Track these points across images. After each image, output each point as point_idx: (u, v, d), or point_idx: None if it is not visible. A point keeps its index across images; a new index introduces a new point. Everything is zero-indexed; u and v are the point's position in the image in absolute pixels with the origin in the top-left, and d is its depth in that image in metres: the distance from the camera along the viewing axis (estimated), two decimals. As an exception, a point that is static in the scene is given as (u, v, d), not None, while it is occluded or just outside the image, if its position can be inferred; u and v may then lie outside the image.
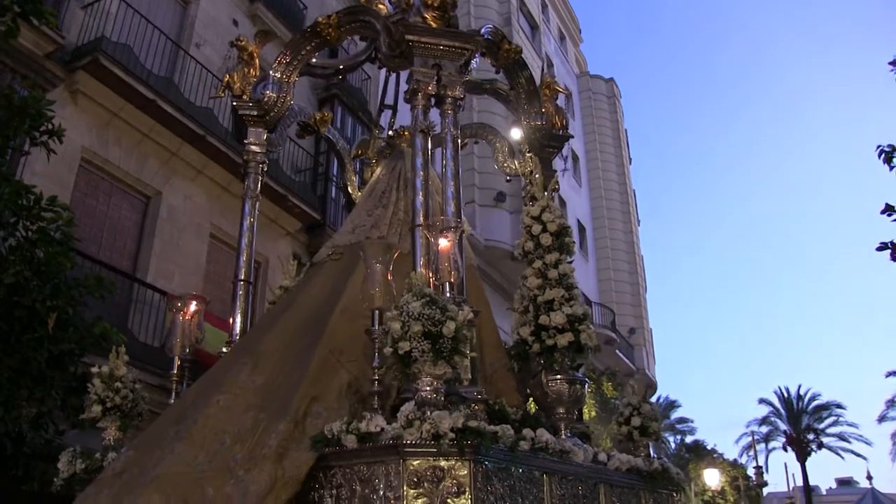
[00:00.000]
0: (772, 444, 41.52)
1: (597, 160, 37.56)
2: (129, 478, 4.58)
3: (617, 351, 30.78)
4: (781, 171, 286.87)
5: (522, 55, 7.39)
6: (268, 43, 7.61)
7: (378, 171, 7.34)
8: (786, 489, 28.54)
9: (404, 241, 6.05)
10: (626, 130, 41.24)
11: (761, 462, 33.51)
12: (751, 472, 29.79)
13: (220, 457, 4.52)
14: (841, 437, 39.99)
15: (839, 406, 40.89)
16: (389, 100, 8.16)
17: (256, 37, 7.55)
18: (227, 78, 7.24)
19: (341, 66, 8.06)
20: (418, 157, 5.94)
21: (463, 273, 5.35)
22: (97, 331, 7.90)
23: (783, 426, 41.27)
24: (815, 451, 39.39)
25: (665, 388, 50.30)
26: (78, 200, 12.27)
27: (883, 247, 9.38)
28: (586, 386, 6.09)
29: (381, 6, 6.98)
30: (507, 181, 8.66)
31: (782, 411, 41.85)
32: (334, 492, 4.32)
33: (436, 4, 6.19)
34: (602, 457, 5.49)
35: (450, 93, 6.17)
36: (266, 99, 7.15)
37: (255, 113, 7.19)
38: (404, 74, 7.10)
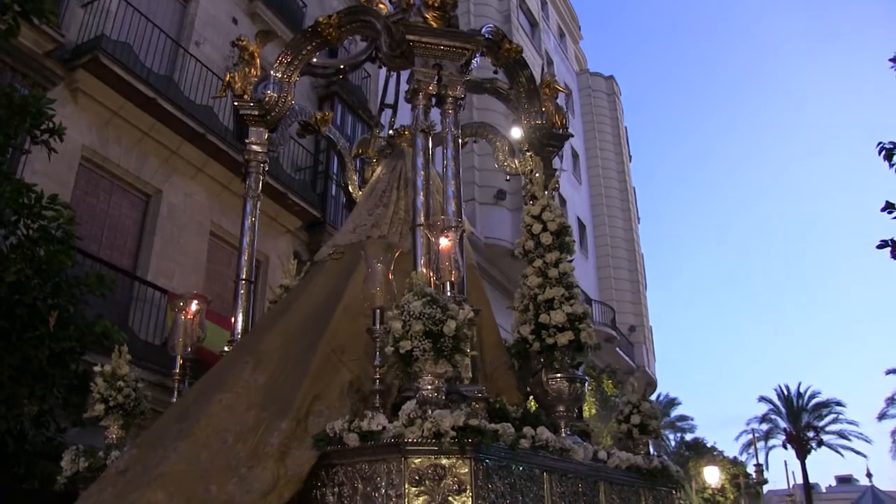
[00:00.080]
0: (772, 442, 41.59)
1: (597, 158, 37.55)
2: (132, 476, 4.61)
3: (617, 349, 30.80)
4: (783, 169, 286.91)
5: (523, 55, 7.40)
6: (269, 43, 7.60)
7: (378, 170, 7.35)
8: (785, 487, 28.53)
9: (405, 241, 6.06)
10: (626, 128, 41.24)
11: (761, 460, 33.55)
12: (751, 469, 29.83)
13: (223, 455, 4.55)
14: (841, 434, 40.04)
15: (839, 404, 40.95)
16: (390, 99, 8.17)
17: (257, 37, 7.57)
18: (228, 77, 7.24)
19: (342, 66, 8.07)
20: (419, 157, 5.95)
21: (463, 272, 5.37)
22: (98, 329, 7.92)
23: (783, 424, 41.29)
24: (815, 449, 39.38)
25: (665, 386, 50.31)
26: (78, 199, 12.29)
27: (883, 244, 9.39)
28: (586, 384, 6.10)
29: (381, 6, 6.99)
30: (507, 180, 8.68)
31: (782, 409, 41.88)
32: (336, 490, 4.35)
33: (436, 4, 6.19)
34: (602, 455, 5.51)
35: (450, 92, 6.19)
36: (267, 99, 7.16)
37: (256, 113, 7.19)
38: (405, 73, 7.11)
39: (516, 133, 7.82)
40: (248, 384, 5.10)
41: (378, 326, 4.89)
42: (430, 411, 4.08)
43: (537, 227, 6.38)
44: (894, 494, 42.44)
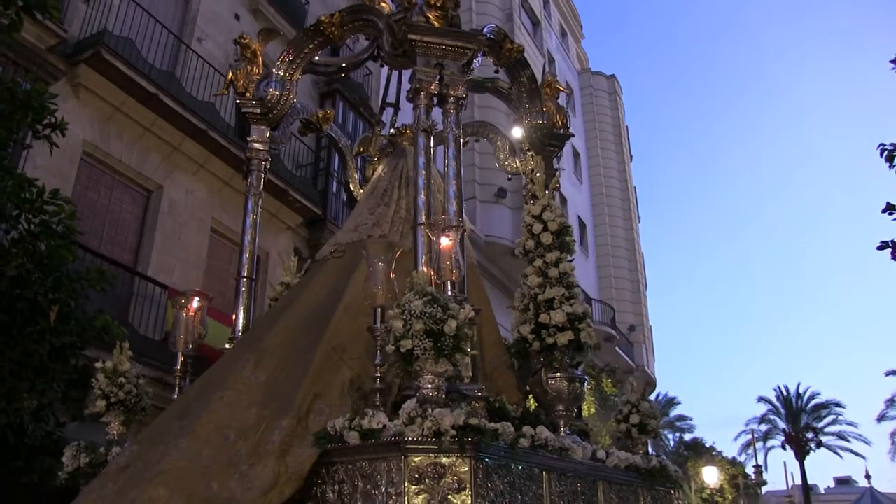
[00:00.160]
0: (770, 443, 41.59)
1: (598, 157, 37.55)
2: (133, 472, 4.63)
3: (616, 348, 30.81)
4: (784, 169, 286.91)
5: (524, 54, 7.40)
6: (271, 41, 7.61)
7: (380, 168, 7.36)
8: (784, 488, 28.55)
9: (406, 240, 6.08)
10: (627, 127, 41.24)
11: (760, 461, 33.55)
12: (750, 470, 29.83)
13: (224, 452, 4.57)
14: (840, 436, 40.04)
15: (838, 405, 40.95)
16: (391, 97, 8.18)
17: (259, 35, 7.57)
18: (230, 75, 7.25)
19: (344, 65, 8.07)
20: (420, 156, 5.97)
21: (464, 271, 5.39)
22: (98, 324, 7.94)
23: (782, 424, 41.30)
24: (814, 450, 39.41)
25: (664, 386, 50.32)
26: (79, 194, 12.29)
27: (883, 246, 9.40)
28: (585, 383, 6.12)
29: (383, 5, 7.00)
30: (509, 179, 8.70)
31: (781, 410, 41.87)
32: (336, 487, 4.38)
33: (438, 4, 6.21)
34: (601, 454, 5.54)
35: (452, 92, 6.20)
36: (269, 97, 7.17)
37: (259, 111, 7.21)
38: (406, 72, 7.12)
39: (517, 132, 7.83)
40: (249, 382, 5.12)
41: (379, 325, 4.91)
42: (430, 410, 4.10)
43: (538, 227, 6.40)
44: (893, 496, 42.39)
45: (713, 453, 35.25)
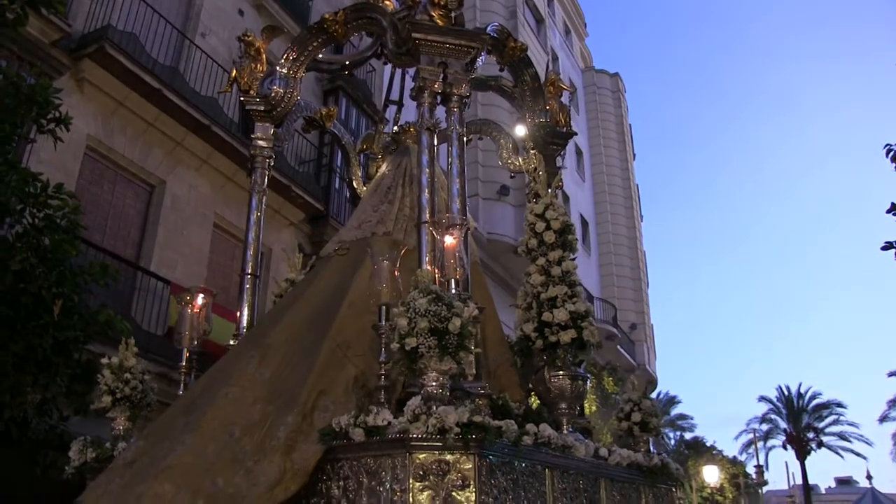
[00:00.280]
0: (771, 442, 41.59)
1: (601, 155, 37.55)
2: (139, 467, 4.66)
3: (618, 346, 30.83)
4: (786, 171, 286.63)
5: (527, 53, 7.41)
6: (275, 38, 7.62)
7: (383, 166, 7.37)
8: (784, 487, 28.57)
9: (409, 237, 6.09)
10: (630, 126, 41.23)
11: (761, 460, 33.54)
12: (750, 469, 29.85)
13: (230, 448, 4.59)
14: (841, 436, 40.01)
15: (840, 405, 40.92)
16: (395, 95, 8.18)
17: (263, 32, 7.57)
18: (234, 73, 7.26)
19: (347, 62, 8.09)
20: (424, 155, 5.98)
21: (468, 270, 5.41)
22: (102, 318, 7.95)
23: (783, 424, 41.29)
24: (815, 450, 39.42)
25: (665, 385, 50.29)
26: (83, 188, 12.29)
27: (888, 246, 9.39)
28: (588, 381, 6.14)
29: (387, 3, 7.01)
30: (512, 177, 8.70)
31: (782, 409, 41.86)
32: (341, 483, 4.40)
33: (442, 2, 6.21)
34: (603, 452, 5.56)
35: (455, 91, 6.22)
36: (273, 94, 7.18)
37: (263, 108, 7.21)
38: (410, 70, 7.13)
39: (520, 131, 7.83)
40: (253, 378, 5.14)
41: (384, 323, 4.92)
42: (434, 407, 4.12)
43: (540, 226, 6.41)
44: (894, 497, 42.33)
45: (714, 452, 35.22)
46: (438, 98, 6.24)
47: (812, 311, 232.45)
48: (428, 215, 5.69)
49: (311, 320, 5.67)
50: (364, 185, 8.03)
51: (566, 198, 29.42)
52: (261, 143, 7.25)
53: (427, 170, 5.91)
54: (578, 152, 35.28)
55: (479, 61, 6.62)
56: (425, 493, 4.03)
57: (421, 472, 4.05)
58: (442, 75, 6.19)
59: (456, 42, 6.24)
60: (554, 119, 7.48)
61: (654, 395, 34.87)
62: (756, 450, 28.49)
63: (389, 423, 4.24)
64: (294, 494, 4.41)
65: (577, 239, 6.63)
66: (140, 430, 5.74)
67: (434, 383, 4.32)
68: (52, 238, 7.44)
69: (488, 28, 7.03)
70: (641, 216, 40.14)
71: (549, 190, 6.88)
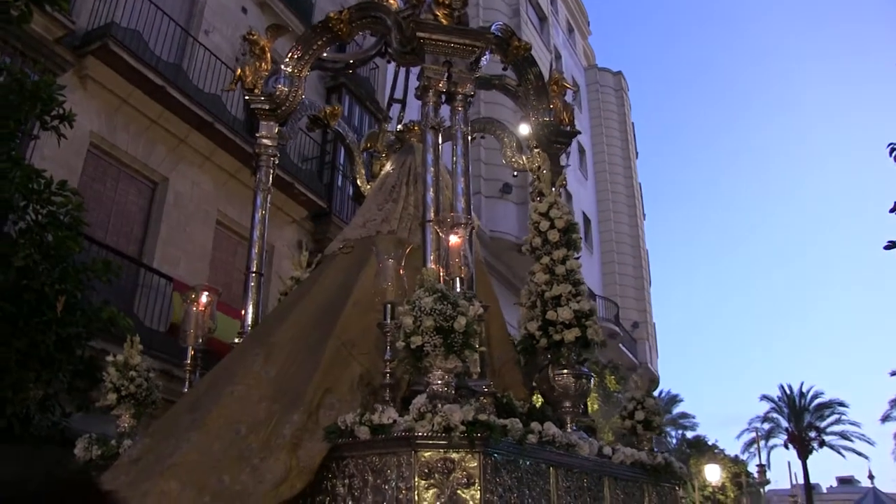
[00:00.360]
0: (773, 441, 41.54)
1: (603, 153, 37.54)
2: (145, 465, 4.67)
3: (620, 345, 30.82)
4: (787, 169, 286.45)
5: (531, 52, 7.40)
6: (280, 37, 7.62)
7: (388, 165, 7.37)
8: (785, 486, 28.64)
9: (414, 236, 6.11)
10: (632, 124, 41.20)
11: (763, 459, 33.56)
12: (752, 468, 29.85)
13: (235, 446, 4.61)
14: (843, 435, 40.02)
15: (841, 404, 40.92)
16: (399, 93, 8.17)
17: (268, 31, 7.57)
18: (238, 71, 7.26)
19: (352, 61, 8.08)
20: (429, 153, 5.99)
21: (473, 269, 5.41)
22: (104, 315, 7.95)
23: (785, 423, 41.28)
24: (817, 450, 39.40)
25: (667, 383, 50.29)
26: (86, 185, 12.30)
27: (891, 245, 9.36)
28: (591, 380, 6.14)
29: (391, 1, 6.99)
30: (515, 176, 8.70)
31: (784, 408, 41.85)
32: (347, 481, 4.41)
33: (447, 2, 6.21)
34: (607, 450, 5.56)
35: (460, 90, 6.22)
36: (278, 93, 7.17)
37: (267, 107, 7.21)
38: (413, 68, 7.12)
39: (524, 129, 7.83)
40: (258, 376, 5.14)
41: (389, 321, 4.93)
42: (440, 406, 4.13)
43: (545, 225, 6.41)
44: (896, 497, 42.33)
45: (715, 451, 35.21)
46: (443, 97, 6.24)
47: (812, 310, 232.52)
48: (433, 214, 5.69)
49: (317, 318, 5.67)
50: (368, 183, 8.03)
51: (569, 196, 29.38)
52: (265, 141, 7.25)
53: (432, 168, 5.91)
54: (581, 150, 35.26)
55: (484, 60, 6.62)
56: (430, 491, 4.04)
57: (426, 470, 4.07)
58: (446, 74, 6.19)
59: (460, 41, 6.24)
60: (558, 118, 7.47)
61: (655, 393, 34.83)
62: (758, 449, 28.49)
63: (395, 421, 4.25)
64: (299, 492, 4.42)
65: (581, 238, 6.63)
66: (145, 427, 5.75)
67: (439, 381, 4.33)
68: (56, 235, 7.44)
69: (492, 27, 7.02)
70: (644, 214, 40.12)
71: (553, 189, 6.88)
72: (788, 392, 42.15)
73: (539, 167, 7.31)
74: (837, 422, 40.46)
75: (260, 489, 4.32)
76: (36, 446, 7.72)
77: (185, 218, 14.23)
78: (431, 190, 5.82)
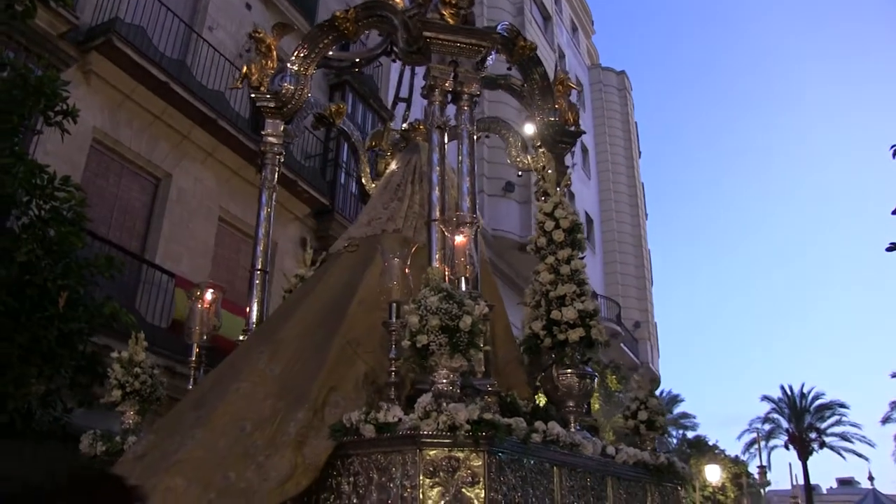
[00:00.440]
0: (773, 442, 41.54)
1: (606, 153, 37.52)
2: (150, 461, 4.68)
3: (622, 344, 30.81)
4: (788, 169, 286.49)
5: (536, 52, 7.40)
6: (285, 35, 7.61)
7: (393, 164, 7.38)
8: (785, 487, 28.66)
9: (419, 235, 6.12)
10: (636, 123, 41.17)
11: (763, 460, 33.57)
12: (753, 469, 29.85)
13: (241, 443, 4.62)
14: (843, 436, 40.00)
15: (842, 406, 40.91)
16: (404, 92, 8.17)
17: (274, 29, 7.57)
18: (244, 69, 7.25)
19: (357, 60, 8.06)
20: (434, 153, 5.99)
21: (478, 268, 5.42)
22: (107, 311, 7.94)
23: (785, 424, 41.28)
24: (817, 451, 39.40)
25: (668, 383, 50.27)
26: (88, 180, 12.27)
27: (893, 247, 9.36)
28: (595, 380, 6.14)
29: (397, 1, 6.99)
30: (519, 175, 8.70)
31: (785, 409, 41.85)
32: (352, 479, 4.43)
33: (453, 1, 6.21)
34: (610, 450, 5.59)
35: (466, 89, 6.22)
36: (284, 91, 7.18)
37: (273, 105, 7.22)
38: (419, 67, 7.11)
39: (529, 129, 7.83)
40: (263, 374, 5.16)
41: (394, 320, 4.94)
42: (445, 404, 4.15)
43: (550, 224, 6.42)
44: (896, 498, 42.29)
45: (716, 451, 35.21)
46: (449, 96, 6.24)
47: (813, 310, 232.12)
48: (438, 213, 5.70)
49: (322, 316, 5.68)
50: (373, 182, 8.03)
51: (571, 195, 29.25)
52: (271, 139, 7.25)
53: (437, 168, 5.92)
54: (584, 150, 35.24)
55: (490, 60, 6.62)
56: (435, 490, 4.06)
57: (431, 469, 4.08)
58: (453, 74, 6.19)
59: (467, 41, 6.24)
60: (563, 117, 7.48)
61: (656, 393, 34.81)
62: (759, 449, 28.50)
63: (400, 419, 4.27)
64: (304, 489, 4.43)
65: (585, 238, 6.63)
66: (150, 424, 5.77)
67: (444, 380, 4.34)
68: (58, 230, 7.43)
69: (498, 27, 7.03)
70: (646, 214, 40.10)
71: (558, 189, 6.88)
72: (789, 393, 42.17)
73: (544, 167, 7.32)
74: (838, 423, 40.50)
75: (265, 486, 4.33)
76: (38, 442, 7.71)
77: (187, 214, 14.21)
78: (437, 189, 5.83)
